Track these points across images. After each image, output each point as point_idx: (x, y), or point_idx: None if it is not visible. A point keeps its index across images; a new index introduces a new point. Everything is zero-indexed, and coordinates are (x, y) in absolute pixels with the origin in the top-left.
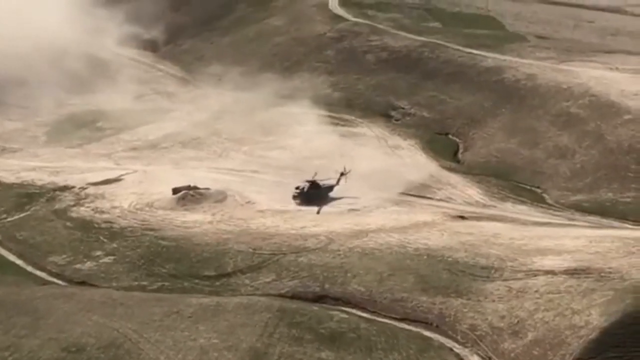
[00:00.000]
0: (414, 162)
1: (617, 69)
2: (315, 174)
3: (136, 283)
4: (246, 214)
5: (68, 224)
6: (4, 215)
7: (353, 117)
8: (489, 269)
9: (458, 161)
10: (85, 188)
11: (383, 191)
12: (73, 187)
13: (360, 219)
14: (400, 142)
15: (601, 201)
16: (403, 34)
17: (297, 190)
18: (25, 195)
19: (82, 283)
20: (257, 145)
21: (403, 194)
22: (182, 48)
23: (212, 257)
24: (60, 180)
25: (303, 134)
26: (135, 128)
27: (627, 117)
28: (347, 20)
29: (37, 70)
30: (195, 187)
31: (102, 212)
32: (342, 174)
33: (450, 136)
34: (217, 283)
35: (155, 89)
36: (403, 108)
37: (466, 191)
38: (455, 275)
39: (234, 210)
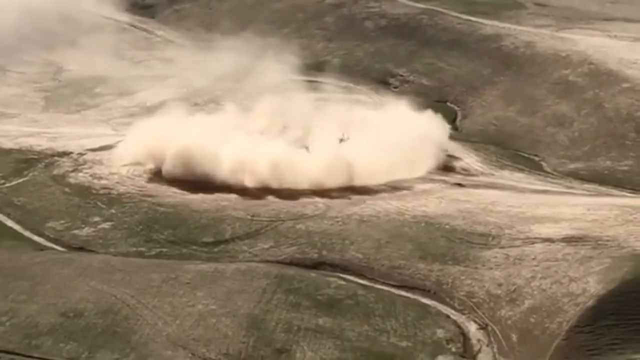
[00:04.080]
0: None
1: (615, 36)
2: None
3: (134, 249)
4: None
5: (66, 189)
6: (2, 181)
7: (351, 84)
8: (487, 236)
9: (456, 129)
10: (84, 154)
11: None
12: (71, 152)
13: (357, 187)
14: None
15: (599, 169)
16: (402, 0)
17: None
18: (24, 161)
19: (80, 249)
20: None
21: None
22: (181, 14)
23: (210, 223)
24: (59, 146)
25: (302, 100)
26: (133, 94)
27: (625, 85)
28: None
29: (32, 37)
30: None
31: (100, 178)
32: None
33: (448, 104)
34: (215, 249)
35: (154, 55)
36: (402, 75)
37: (464, 159)
38: (453, 242)
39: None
